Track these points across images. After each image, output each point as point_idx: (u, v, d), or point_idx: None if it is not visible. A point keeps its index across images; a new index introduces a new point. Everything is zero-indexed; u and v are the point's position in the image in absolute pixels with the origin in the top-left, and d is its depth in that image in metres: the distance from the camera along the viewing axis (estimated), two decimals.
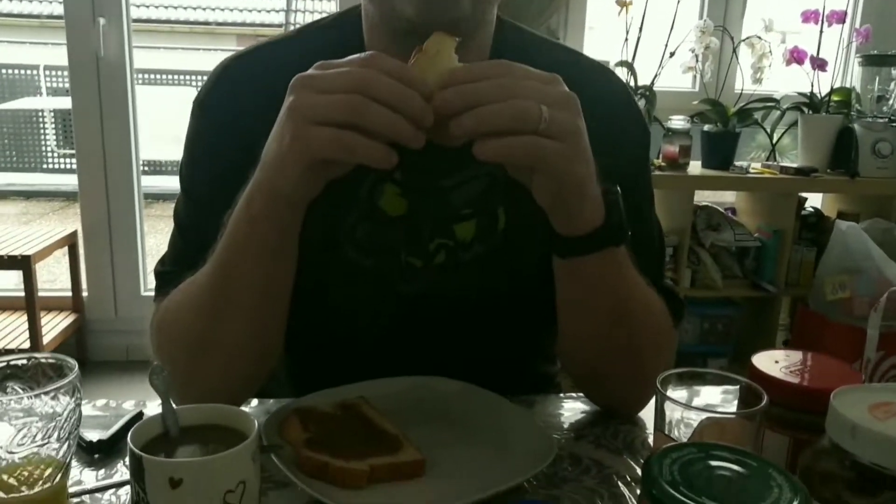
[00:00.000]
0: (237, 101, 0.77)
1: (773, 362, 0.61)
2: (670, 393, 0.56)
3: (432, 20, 0.64)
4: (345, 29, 0.78)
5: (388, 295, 0.77)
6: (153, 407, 0.76)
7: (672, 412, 0.55)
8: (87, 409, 0.76)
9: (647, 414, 0.80)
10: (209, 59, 8.09)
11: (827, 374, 0.60)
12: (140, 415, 0.74)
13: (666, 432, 0.56)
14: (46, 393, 0.51)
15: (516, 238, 0.77)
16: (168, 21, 9.74)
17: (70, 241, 2.52)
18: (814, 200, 2.61)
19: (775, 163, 2.42)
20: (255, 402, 0.80)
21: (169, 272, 0.80)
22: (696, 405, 0.57)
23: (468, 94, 0.56)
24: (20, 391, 0.54)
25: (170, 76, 6.27)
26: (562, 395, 0.86)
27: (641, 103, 2.32)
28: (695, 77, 2.49)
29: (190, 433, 0.53)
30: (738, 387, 0.58)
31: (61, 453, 0.53)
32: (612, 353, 0.74)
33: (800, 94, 2.43)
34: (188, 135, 0.80)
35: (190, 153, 0.80)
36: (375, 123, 0.54)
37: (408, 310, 0.78)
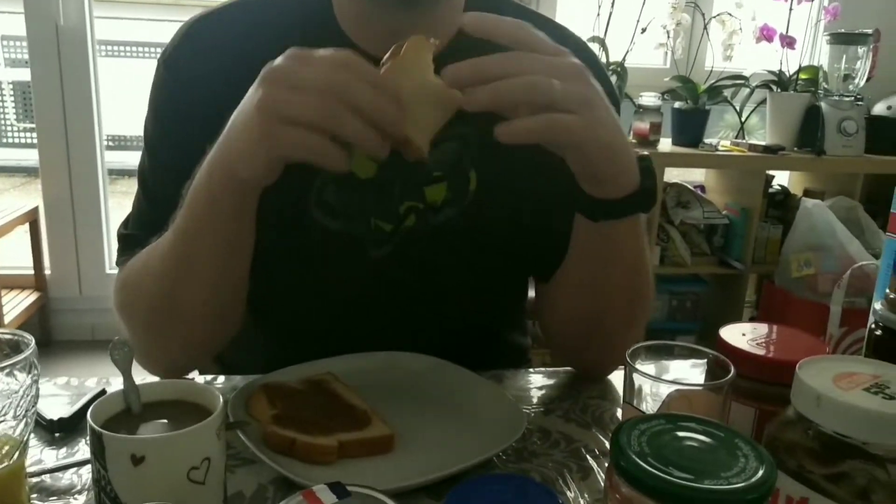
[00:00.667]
0: (204, 62, 0.76)
1: (741, 335, 0.61)
2: (639, 366, 0.57)
3: None
4: (316, 3, 0.77)
5: (357, 259, 0.77)
6: (117, 384, 0.74)
7: (641, 385, 0.55)
8: (48, 388, 0.74)
9: (616, 388, 0.80)
10: (175, 31, 7.87)
11: (793, 347, 0.60)
12: (103, 392, 0.72)
13: (635, 405, 0.56)
14: (1, 369, 0.49)
15: (487, 201, 0.76)
16: None
17: (31, 218, 2.46)
18: (781, 178, 2.64)
19: (744, 141, 2.44)
20: (221, 378, 0.78)
21: (133, 235, 0.79)
22: (665, 378, 0.57)
23: (480, 67, 0.56)
24: None
25: (134, 48, 6.12)
26: (532, 369, 0.85)
27: (613, 79, 2.31)
28: (666, 54, 2.50)
29: (153, 409, 0.52)
30: (705, 359, 0.59)
31: (18, 431, 0.51)
32: (613, 314, 0.75)
33: (769, 71, 2.45)
34: (152, 94, 0.79)
35: (154, 112, 0.78)
36: (348, 132, 0.54)
37: (378, 274, 0.78)
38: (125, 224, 0.83)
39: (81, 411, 0.67)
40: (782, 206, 2.55)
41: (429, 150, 0.58)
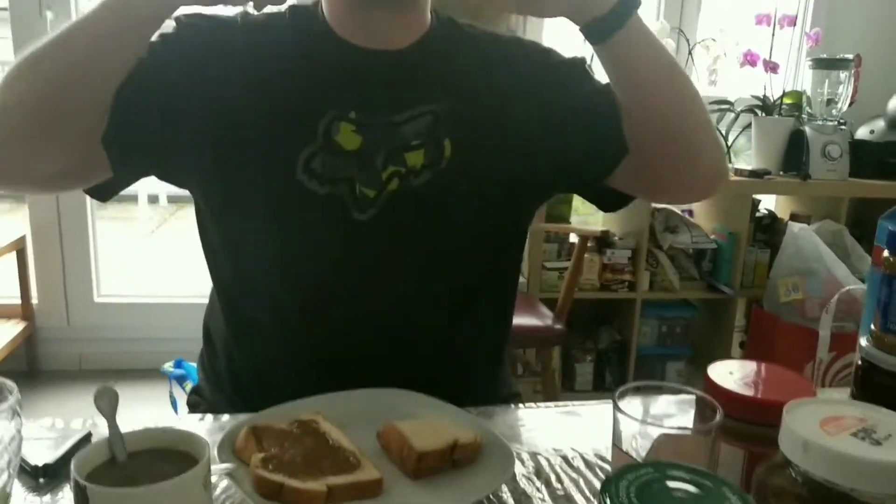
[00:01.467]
0: (197, 35, 0.83)
1: (728, 373, 0.61)
2: (627, 406, 0.56)
3: None
4: (305, 9, 0.87)
5: (343, 222, 0.82)
6: (102, 425, 0.73)
7: (629, 427, 0.55)
8: (33, 430, 0.73)
9: (605, 427, 0.80)
10: None
11: (781, 386, 0.60)
12: (89, 436, 0.71)
13: (623, 447, 0.56)
14: None
15: (461, 165, 0.83)
16: None
17: (18, 246, 2.44)
18: (768, 202, 2.67)
19: (730, 165, 2.47)
20: (209, 417, 0.78)
21: None
22: (653, 418, 0.57)
23: None
24: None
25: None
26: (522, 405, 0.85)
27: None
28: None
29: (138, 458, 0.52)
30: (694, 397, 0.59)
31: (1, 482, 0.51)
32: (677, 105, 0.80)
33: (753, 96, 2.48)
34: (165, 39, 0.83)
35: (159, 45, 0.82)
36: None
37: (363, 237, 0.82)
38: None
39: (66, 456, 0.66)
40: (769, 229, 2.57)
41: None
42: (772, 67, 2.39)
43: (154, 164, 0.84)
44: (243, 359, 0.91)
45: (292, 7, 0.88)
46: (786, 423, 0.47)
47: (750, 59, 2.39)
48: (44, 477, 0.65)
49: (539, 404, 0.85)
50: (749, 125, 2.50)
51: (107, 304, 2.60)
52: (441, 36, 0.88)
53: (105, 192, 0.84)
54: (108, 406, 0.53)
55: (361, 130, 0.82)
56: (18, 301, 2.50)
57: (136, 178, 0.86)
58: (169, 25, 0.83)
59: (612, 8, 0.74)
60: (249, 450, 0.65)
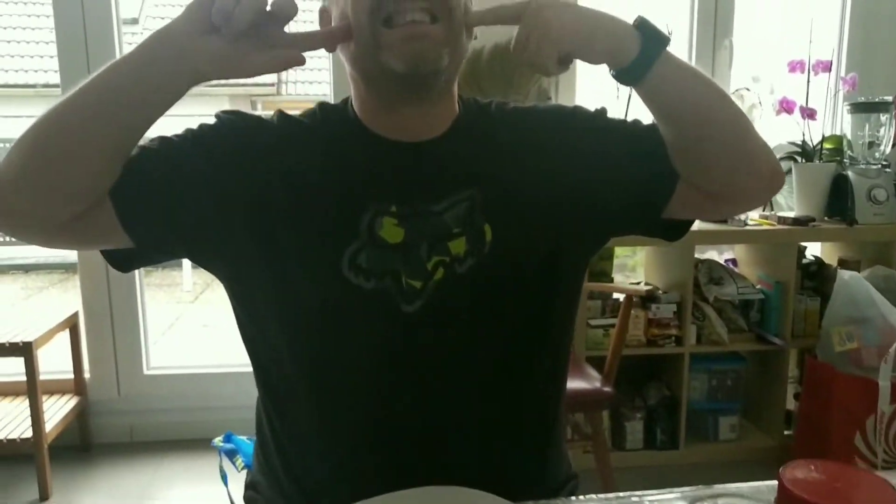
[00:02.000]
0: (242, 129, 0.86)
1: (802, 478, 0.59)
2: None
3: (417, 72, 0.79)
4: (338, 111, 0.90)
5: (391, 315, 0.82)
6: None
7: None
8: None
9: None
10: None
11: (861, 494, 0.58)
12: None
13: None
14: None
15: (503, 248, 0.84)
16: None
17: (71, 323, 2.50)
18: (814, 248, 2.62)
19: (772, 213, 2.44)
20: None
21: None
22: None
23: None
24: None
25: None
26: (582, 496, 0.84)
27: None
28: None
29: None
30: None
31: None
32: (720, 122, 0.81)
33: (791, 143, 2.46)
34: (214, 125, 0.86)
35: (188, 129, 0.85)
36: None
37: (411, 328, 0.83)
38: None
39: None
40: (818, 276, 2.52)
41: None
42: (809, 114, 2.37)
43: (175, 245, 0.85)
44: (292, 454, 0.91)
45: (322, 105, 0.91)
46: None
47: (786, 107, 2.38)
48: None
49: (599, 496, 0.84)
50: (789, 171, 2.47)
51: (156, 375, 2.64)
52: (469, 121, 0.90)
53: (124, 261, 0.85)
54: None
55: (403, 223, 0.83)
56: (72, 376, 2.55)
57: (157, 254, 0.86)
58: (210, 119, 0.86)
59: (639, 51, 0.76)
60: None
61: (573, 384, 1.91)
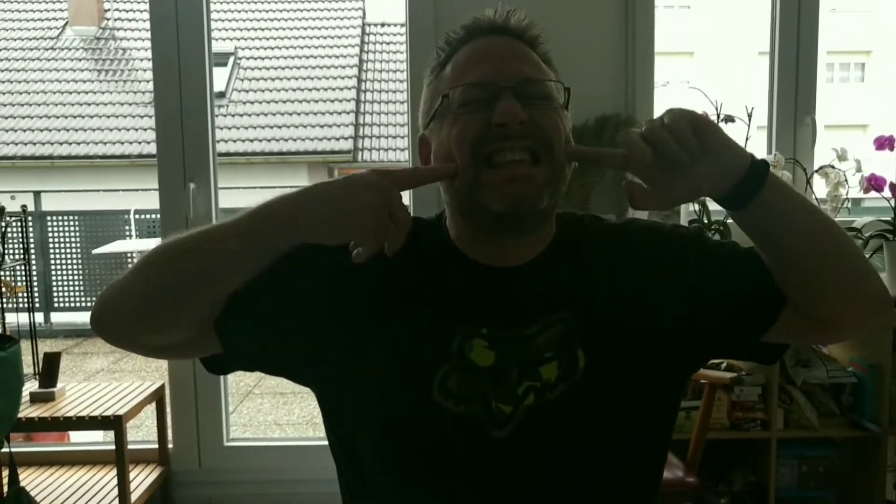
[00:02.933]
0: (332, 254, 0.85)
1: None
2: None
3: (517, 214, 0.81)
4: (432, 230, 0.92)
5: (480, 440, 0.81)
6: None
7: None
8: None
9: None
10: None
11: None
12: None
13: None
14: None
15: (597, 375, 0.82)
16: (245, 153, 10.37)
17: (158, 395, 2.59)
18: None
19: None
20: None
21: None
22: None
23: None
24: None
25: None
26: None
27: (716, 237, 2.30)
28: None
29: None
30: None
31: None
32: (831, 259, 0.80)
33: (881, 220, 2.37)
34: (303, 255, 0.86)
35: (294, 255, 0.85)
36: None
37: (501, 455, 0.81)
38: None
39: None
40: None
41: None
42: None
43: (273, 363, 0.89)
44: None
45: (417, 221, 0.90)
46: None
47: (875, 184, 2.31)
48: None
49: None
50: (879, 249, 2.38)
51: (236, 447, 2.69)
52: (566, 241, 0.90)
53: (220, 367, 0.89)
54: None
55: (494, 346, 0.83)
56: (156, 446, 2.63)
57: (256, 367, 0.91)
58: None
59: (745, 175, 0.75)
60: None
61: None
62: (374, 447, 0.85)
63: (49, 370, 2.47)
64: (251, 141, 10.58)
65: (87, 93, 11.12)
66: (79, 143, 10.31)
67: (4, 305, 2.49)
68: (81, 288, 6.57)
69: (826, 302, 0.82)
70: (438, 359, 0.82)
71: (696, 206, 2.32)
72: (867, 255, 2.39)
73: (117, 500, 2.30)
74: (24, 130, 10.39)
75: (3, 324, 2.43)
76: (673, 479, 1.85)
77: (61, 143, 10.28)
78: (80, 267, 6.52)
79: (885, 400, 2.25)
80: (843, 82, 15.91)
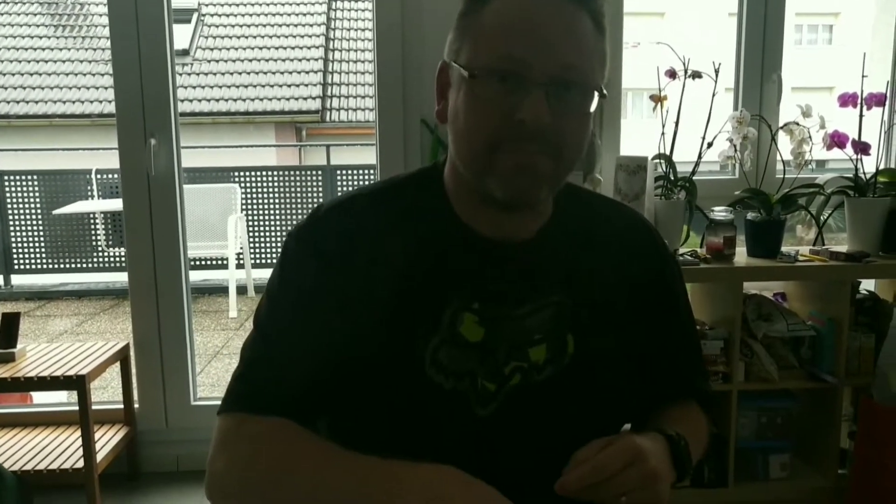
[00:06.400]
0: (334, 242, 0.83)
1: None
2: None
3: (517, 202, 0.81)
4: (431, 190, 0.88)
5: (464, 417, 0.81)
6: None
7: None
8: None
9: None
10: (249, 156, 8.41)
11: None
12: None
13: None
14: None
15: (585, 361, 0.83)
16: (211, 113, 10.16)
17: (123, 355, 2.56)
18: (868, 283, 2.55)
19: (824, 248, 2.38)
20: None
21: (246, 386, 0.83)
22: None
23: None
24: None
25: (213, 174, 6.49)
26: None
27: (682, 195, 2.32)
28: (734, 166, 2.49)
29: None
30: None
31: None
32: None
33: (844, 177, 2.41)
34: (282, 262, 0.84)
35: (282, 277, 0.83)
36: None
37: (483, 432, 0.81)
38: (243, 379, 0.85)
39: None
40: (872, 312, 2.44)
41: None
42: (862, 149, 2.32)
43: None
44: None
45: (417, 182, 0.88)
46: None
47: (838, 141, 2.33)
48: None
49: None
50: (840, 205, 2.42)
51: (204, 406, 2.69)
52: (567, 219, 0.89)
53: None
54: None
55: (484, 323, 0.82)
56: (122, 406, 2.61)
57: None
58: (297, 251, 0.85)
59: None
60: None
61: None
62: (371, 420, 0.83)
63: (8, 331, 2.42)
64: (216, 101, 10.36)
65: (43, 49, 10.77)
66: (36, 102, 10.01)
67: None
68: (43, 249, 6.43)
69: None
70: (430, 329, 0.81)
71: (663, 165, 2.33)
72: (828, 213, 2.44)
73: (82, 459, 2.29)
74: None
75: None
76: None
77: (17, 102, 9.97)
78: (41, 228, 6.37)
79: (843, 352, 2.31)
80: (811, 45, 16.01)
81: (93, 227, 6.29)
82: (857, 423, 2.37)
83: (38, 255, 6.37)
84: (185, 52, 10.53)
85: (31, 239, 6.35)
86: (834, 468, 2.39)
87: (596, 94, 0.79)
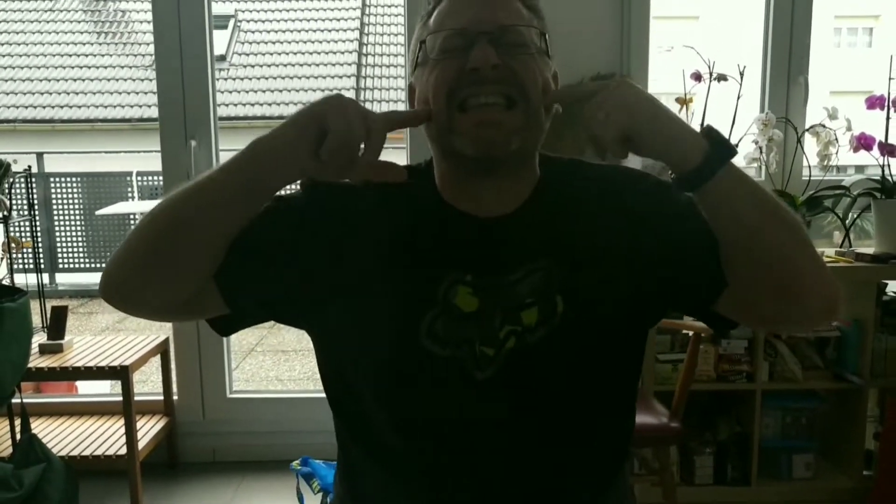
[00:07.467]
0: (318, 207, 0.90)
1: None
2: None
3: (489, 156, 0.84)
4: (421, 178, 0.93)
5: (462, 381, 0.85)
6: None
7: None
8: None
9: None
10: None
11: None
12: None
13: None
14: None
15: (574, 320, 0.86)
16: (246, 118, 10.35)
17: (163, 348, 2.67)
18: (894, 285, 2.55)
19: (850, 249, 2.39)
20: None
21: None
22: None
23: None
24: None
25: None
26: None
27: None
28: (759, 168, 2.51)
29: None
30: None
31: None
32: (777, 250, 0.79)
33: (870, 178, 2.41)
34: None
35: (264, 214, 0.87)
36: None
37: (481, 394, 0.86)
38: None
39: None
40: None
41: None
42: (889, 151, 2.32)
43: (271, 310, 0.92)
44: (365, 486, 0.97)
45: (408, 169, 0.91)
46: None
47: (865, 143, 2.34)
48: None
49: None
50: (867, 208, 2.43)
51: (239, 398, 2.78)
52: (550, 189, 0.92)
53: (226, 327, 0.92)
54: None
55: (478, 292, 0.86)
56: (162, 398, 2.71)
57: (257, 319, 0.93)
58: (298, 191, 0.91)
59: (702, 161, 0.76)
60: None
61: (641, 420, 1.91)
62: (369, 389, 0.90)
63: (57, 323, 2.55)
64: (252, 105, 10.54)
65: (86, 55, 11.07)
66: (79, 107, 10.29)
67: (13, 261, 2.55)
68: (85, 249, 6.63)
69: (766, 304, 0.83)
70: (425, 304, 0.86)
71: None
72: (855, 215, 2.44)
73: (125, 447, 2.39)
74: (25, 94, 10.35)
75: (12, 278, 2.49)
76: (658, 425, 1.92)
77: (62, 107, 10.26)
78: (83, 228, 6.57)
79: (868, 353, 2.32)
80: (851, 47, 15.74)
81: (132, 226, 6.46)
82: (882, 425, 2.38)
83: (80, 255, 6.58)
84: (222, 58, 10.73)
85: (74, 238, 6.55)
86: (859, 469, 2.40)
87: (541, 34, 0.88)
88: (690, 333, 2.08)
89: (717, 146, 0.76)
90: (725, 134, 0.78)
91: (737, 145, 2.35)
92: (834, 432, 2.47)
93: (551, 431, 0.89)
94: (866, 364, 2.33)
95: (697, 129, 0.79)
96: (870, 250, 2.36)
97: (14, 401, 2.30)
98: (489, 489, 0.88)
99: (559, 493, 0.90)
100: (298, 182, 0.89)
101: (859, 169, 2.92)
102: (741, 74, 2.38)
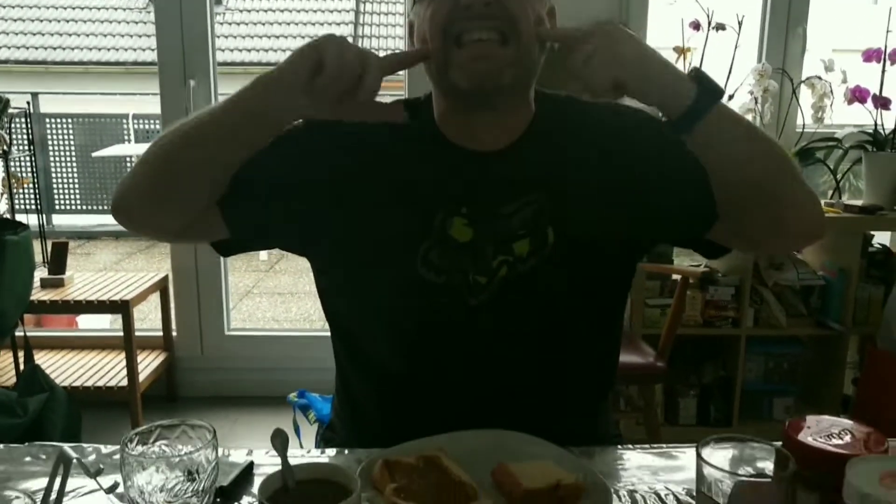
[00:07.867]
0: (318, 139, 0.93)
1: (806, 428, 0.68)
2: (711, 455, 0.65)
3: (482, 90, 0.86)
4: (419, 115, 0.96)
5: (458, 307, 0.91)
6: (259, 455, 0.88)
7: (711, 474, 0.63)
8: None
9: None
10: None
11: (853, 441, 0.66)
12: (251, 464, 0.85)
13: (708, 492, 0.64)
14: (196, 451, 0.63)
15: (564, 251, 0.91)
16: (243, 63, 10.23)
17: (162, 285, 2.72)
18: (881, 237, 2.60)
19: (839, 201, 2.43)
20: (346, 451, 0.91)
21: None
22: (733, 470, 0.65)
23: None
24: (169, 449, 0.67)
25: None
26: (620, 446, 0.94)
27: None
28: (754, 119, 2.54)
29: (304, 486, 0.65)
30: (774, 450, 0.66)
31: (207, 500, 0.65)
32: (764, 179, 0.84)
33: (863, 132, 2.44)
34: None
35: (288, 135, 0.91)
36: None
37: (476, 320, 0.91)
38: None
39: (237, 480, 0.81)
40: (884, 265, 2.50)
41: None
42: (883, 104, 2.35)
43: (273, 238, 0.98)
44: (360, 403, 1.03)
45: (406, 103, 0.96)
46: (847, 478, 0.54)
47: (859, 96, 2.37)
48: (220, 497, 0.79)
49: (637, 446, 0.93)
50: (858, 161, 2.46)
51: (237, 336, 2.84)
52: (544, 125, 0.95)
53: (228, 249, 0.97)
54: (280, 446, 0.67)
55: (472, 224, 0.91)
56: (161, 334, 2.77)
57: (259, 246, 1.00)
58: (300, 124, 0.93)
59: (693, 101, 0.78)
60: (384, 480, 0.77)
61: (628, 358, 1.99)
62: (369, 314, 0.95)
63: (58, 258, 2.59)
64: (248, 51, 10.41)
65: None
66: (73, 49, 10.15)
67: (13, 197, 2.57)
68: (80, 191, 6.63)
69: (754, 231, 0.89)
70: (421, 235, 0.91)
71: None
72: (846, 167, 2.48)
73: (126, 379, 2.46)
74: (17, 34, 10.20)
75: (13, 214, 2.52)
76: (645, 363, 1.99)
77: (55, 48, 10.12)
78: (79, 170, 6.56)
79: (851, 302, 2.38)
80: (854, 3, 15.50)
81: (140, 157, 6.45)
82: (861, 371, 2.45)
83: (76, 196, 6.58)
84: (219, 2, 10.57)
85: (70, 180, 6.55)
86: (837, 412, 2.48)
87: None
88: (678, 278, 2.13)
89: (706, 88, 0.79)
90: (720, 83, 0.81)
91: (731, 97, 2.40)
92: (814, 377, 2.55)
93: (538, 357, 0.94)
94: (849, 313, 2.39)
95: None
96: (859, 202, 2.40)
97: (17, 333, 2.36)
98: (480, 410, 0.93)
99: (545, 417, 0.94)
100: (301, 122, 0.92)
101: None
102: (739, 24, 2.38)
